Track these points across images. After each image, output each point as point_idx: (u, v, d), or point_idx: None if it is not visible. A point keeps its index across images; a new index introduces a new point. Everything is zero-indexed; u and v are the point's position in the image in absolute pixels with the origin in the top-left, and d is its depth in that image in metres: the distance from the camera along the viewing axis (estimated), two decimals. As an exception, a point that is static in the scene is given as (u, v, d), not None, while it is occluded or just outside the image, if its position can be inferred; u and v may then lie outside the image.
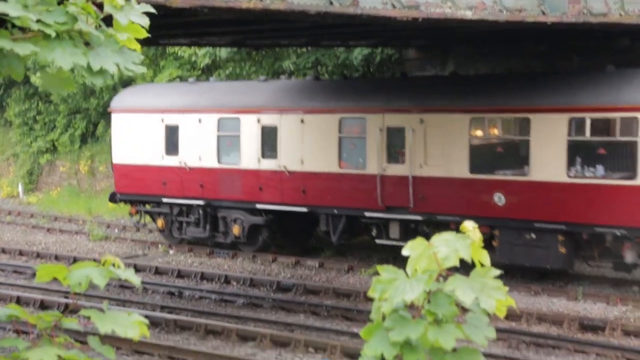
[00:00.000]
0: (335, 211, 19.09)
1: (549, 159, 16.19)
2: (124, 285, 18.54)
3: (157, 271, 20.06)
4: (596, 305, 15.88)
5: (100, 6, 2.83)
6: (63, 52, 2.70)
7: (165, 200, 21.73)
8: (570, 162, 15.95)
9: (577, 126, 15.94)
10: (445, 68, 22.07)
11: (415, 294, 2.20)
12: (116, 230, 25.31)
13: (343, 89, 19.71)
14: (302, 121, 19.29)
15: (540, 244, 16.46)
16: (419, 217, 17.89)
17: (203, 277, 19.43)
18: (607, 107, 15.54)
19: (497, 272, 2.26)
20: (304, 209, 19.54)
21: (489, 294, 2.22)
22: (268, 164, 19.89)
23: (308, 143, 19.19)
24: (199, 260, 21.18)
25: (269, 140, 19.83)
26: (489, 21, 12.98)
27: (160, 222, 22.28)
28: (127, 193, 22.54)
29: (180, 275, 19.71)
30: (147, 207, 22.50)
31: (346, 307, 16.32)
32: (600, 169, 15.77)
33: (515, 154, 16.89)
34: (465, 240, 2.23)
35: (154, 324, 14.88)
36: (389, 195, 18.17)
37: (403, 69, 23.33)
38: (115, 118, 22.82)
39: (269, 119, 19.84)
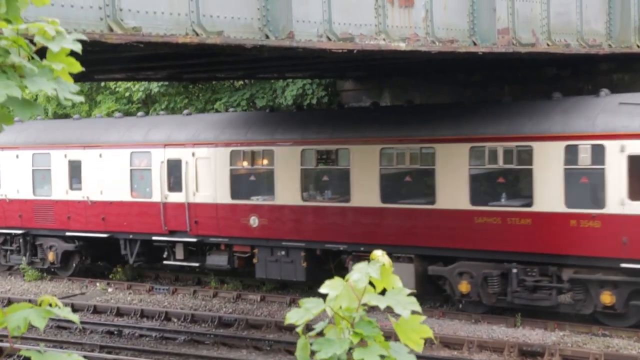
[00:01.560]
0: (131, 236, 21.26)
1: (288, 186, 18.57)
2: (62, 326, 18.14)
3: (96, 310, 19.69)
4: (535, 331, 16.11)
5: (31, 40, 2.81)
6: (-5, 85, 2.67)
7: None
8: (305, 188, 18.54)
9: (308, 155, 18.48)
10: (382, 98, 22.35)
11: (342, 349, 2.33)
12: (52, 270, 24.78)
13: (135, 124, 21.55)
14: (100, 155, 21.45)
15: (287, 260, 18.80)
16: (194, 240, 20.14)
17: (143, 314, 19.13)
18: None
19: (409, 290, 2.39)
20: (105, 235, 21.62)
21: (404, 306, 2.35)
22: (74, 195, 21.99)
23: (106, 175, 21.37)
24: (138, 297, 20.85)
25: (75, 173, 22.04)
26: (422, 52, 13.22)
27: None
28: None
29: (119, 313, 19.37)
30: None
31: (289, 341, 16.24)
32: (328, 193, 18.44)
33: (265, 181, 19.16)
34: (376, 265, 2.38)
35: (93, 364, 14.57)
36: (171, 220, 20.37)
37: (340, 101, 23.55)
38: None
39: (74, 154, 21.94)
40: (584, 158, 15.17)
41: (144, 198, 20.68)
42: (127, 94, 27.29)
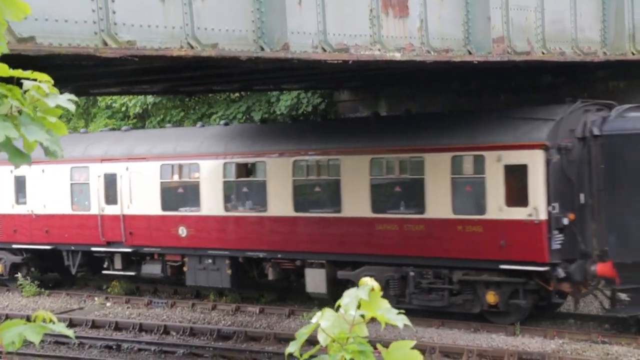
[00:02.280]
0: (72, 247, 22.15)
1: (212, 198, 19.58)
2: (60, 342, 18.07)
3: (94, 325, 19.62)
4: (534, 339, 16.07)
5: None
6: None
7: None
8: (227, 199, 19.49)
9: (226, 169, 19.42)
10: (378, 109, 22.37)
11: None
12: (50, 285, 24.71)
13: (76, 141, 22.10)
14: (43, 171, 22.18)
15: (214, 267, 19.79)
16: (129, 250, 21.01)
17: (142, 328, 19.07)
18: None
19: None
20: (49, 247, 22.50)
21: (397, 320, 2.44)
22: (20, 209, 22.95)
23: (49, 190, 22.27)
24: (137, 312, 20.79)
25: (20, 188, 22.94)
26: (417, 62, 13.23)
27: None
28: None
29: (117, 327, 19.31)
30: None
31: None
32: (248, 204, 19.29)
33: (192, 193, 20.03)
34: (365, 288, 2.45)
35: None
36: (108, 232, 21.26)
37: (336, 111, 23.56)
38: None
39: (19, 170, 22.13)
40: (468, 168, 16.41)
41: (83, 211, 21.72)
42: (123, 109, 27.30)
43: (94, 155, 21.52)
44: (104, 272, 22.26)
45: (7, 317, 20.23)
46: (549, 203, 15.45)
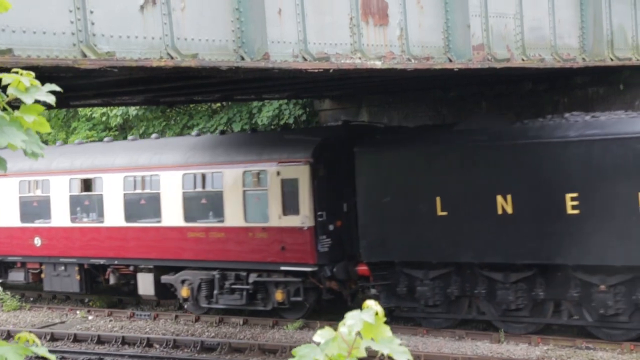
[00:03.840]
0: None
1: (61, 210, 21.47)
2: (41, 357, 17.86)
3: (76, 339, 19.44)
4: (519, 346, 16.08)
5: (4, 89, 2.77)
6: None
7: None
8: (73, 212, 21.33)
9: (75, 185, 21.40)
10: (359, 117, 22.37)
11: None
12: (31, 299, 24.50)
13: None
14: None
15: (66, 274, 21.71)
16: None
17: (124, 341, 18.92)
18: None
19: (399, 340, 2.46)
20: None
21: (399, 355, 2.45)
22: None
23: None
24: (119, 324, 20.63)
25: None
26: (398, 70, 13.23)
27: None
28: None
29: (100, 341, 19.14)
30: None
31: (273, 363, 16.09)
32: (91, 215, 21.26)
33: (44, 206, 21.86)
34: (369, 312, 2.46)
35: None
36: None
37: (318, 121, 23.55)
38: None
39: None
40: (255, 181, 18.58)
41: None
42: (103, 119, 27.14)
43: None
44: None
45: (-12, 332, 20.02)
46: (316, 211, 17.70)
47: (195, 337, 18.60)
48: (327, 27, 12.00)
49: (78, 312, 22.11)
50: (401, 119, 21.36)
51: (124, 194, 20.49)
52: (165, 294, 20.58)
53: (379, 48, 12.76)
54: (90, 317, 21.65)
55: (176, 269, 20.04)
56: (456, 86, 20.60)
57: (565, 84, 19.64)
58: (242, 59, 10.64)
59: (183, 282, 19.88)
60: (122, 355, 17.73)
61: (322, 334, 2.45)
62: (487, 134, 16.27)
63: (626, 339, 15.45)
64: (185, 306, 20.40)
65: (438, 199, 16.23)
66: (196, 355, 17.42)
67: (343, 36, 12.18)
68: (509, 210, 15.54)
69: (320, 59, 11.66)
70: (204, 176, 19.34)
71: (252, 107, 24.64)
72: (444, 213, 16.20)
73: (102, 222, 20.84)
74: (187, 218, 19.42)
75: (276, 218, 18.11)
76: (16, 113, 2.81)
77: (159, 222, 19.82)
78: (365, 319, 2.42)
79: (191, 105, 25.70)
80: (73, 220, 21.35)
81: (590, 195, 14.82)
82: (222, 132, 21.85)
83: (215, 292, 19.31)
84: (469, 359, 15.35)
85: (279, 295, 18.48)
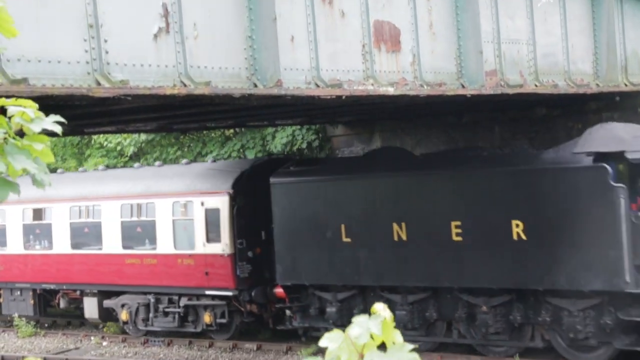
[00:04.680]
0: None
1: (14, 238, 22.81)
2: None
3: (90, 365, 19.43)
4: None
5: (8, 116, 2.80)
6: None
7: None
8: (26, 239, 22.66)
9: None
10: (372, 142, 22.38)
11: None
12: (46, 325, 24.52)
13: None
14: None
15: (21, 298, 22.96)
16: None
17: (138, 368, 18.88)
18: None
19: (411, 346, 2.36)
20: None
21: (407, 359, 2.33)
22: None
23: None
24: (133, 350, 20.61)
25: None
26: (410, 96, 13.25)
27: None
28: None
29: (114, 367, 19.12)
30: None
31: (286, 390, 16.01)
32: (42, 243, 22.42)
33: (2, 234, 23.14)
34: (377, 319, 2.36)
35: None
36: None
37: (331, 147, 23.57)
38: None
39: None
40: (183, 211, 19.86)
41: None
42: (118, 148, 27.29)
43: None
44: None
45: (3, 359, 20.04)
46: (236, 239, 18.94)
47: (209, 364, 18.54)
48: (340, 53, 12.05)
49: (92, 338, 22.11)
50: (414, 145, 21.36)
51: (70, 223, 21.85)
52: (109, 317, 21.91)
53: (391, 74, 12.79)
54: (104, 343, 21.64)
55: (117, 294, 21.31)
56: (469, 112, 20.59)
57: (580, 109, 19.60)
58: (255, 86, 10.70)
59: (123, 306, 21.18)
60: (136, 382, 17.69)
61: (331, 338, 2.39)
62: (387, 166, 17.46)
63: (506, 355, 16.53)
64: (126, 329, 21.61)
65: (343, 227, 17.43)
66: (209, 382, 17.36)
67: (355, 63, 12.23)
68: (404, 237, 16.73)
69: (332, 85, 11.70)
70: (139, 206, 20.62)
71: (265, 134, 24.71)
72: (348, 240, 17.42)
73: (51, 249, 22.17)
74: (124, 246, 20.76)
75: (201, 245, 19.45)
76: (24, 141, 2.84)
77: (101, 249, 21.20)
78: (372, 329, 2.36)
79: (204, 132, 25.80)
80: (26, 247, 22.69)
81: (470, 223, 15.95)
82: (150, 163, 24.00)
83: (151, 315, 20.65)
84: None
85: (207, 318, 19.82)
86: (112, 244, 20.94)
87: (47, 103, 8.92)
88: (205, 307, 19.91)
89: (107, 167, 25.69)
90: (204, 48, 10.19)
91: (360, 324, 2.36)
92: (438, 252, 16.31)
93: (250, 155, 24.47)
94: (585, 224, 14.72)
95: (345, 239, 17.40)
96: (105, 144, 27.76)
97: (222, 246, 19.08)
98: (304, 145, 23.84)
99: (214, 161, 21.87)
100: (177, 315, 20.28)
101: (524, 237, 15.29)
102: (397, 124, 22.24)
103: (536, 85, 15.53)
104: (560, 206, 14.97)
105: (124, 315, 21.04)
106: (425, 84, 13.33)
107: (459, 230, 16.03)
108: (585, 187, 14.69)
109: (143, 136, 26.23)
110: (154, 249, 20.24)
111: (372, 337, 2.36)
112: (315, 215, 17.83)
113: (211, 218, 19.24)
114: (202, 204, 19.39)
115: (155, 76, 9.63)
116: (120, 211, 20.88)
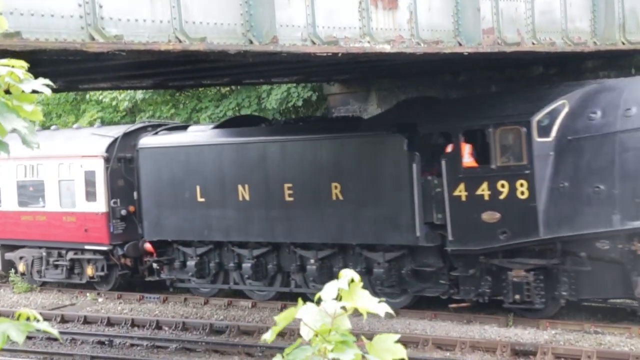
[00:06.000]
0: None
1: None
2: (51, 338, 18.01)
3: (86, 320, 19.54)
4: (527, 330, 16.06)
5: None
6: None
7: None
8: None
9: None
10: (369, 101, 22.31)
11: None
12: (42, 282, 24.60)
13: None
14: None
15: None
16: None
17: (134, 323, 19.00)
18: None
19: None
20: None
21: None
22: None
23: None
24: (129, 307, 20.73)
25: None
26: (407, 54, 13.18)
27: None
28: None
29: (110, 323, 19.24)
30: None
31: (282, 347, 16.12)
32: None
33: None
34: (345, 279, 2.50)
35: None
36: None
37: (327, 105, 23.50)
38: None
39: None
40: (67, 173, 21.61)
41: None
42: (113, 103, 27.17)
43: None
44: None
45: (-1, 314, 20.17)
46: (110, 199, 20.80)
47: (204, 320, 18.67)
48: (336, 10, 11.95)
49: (88, 294, 22.22)
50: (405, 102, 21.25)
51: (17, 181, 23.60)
52: (11, 268, 23.74)
53: (388, 32, 12.70)
54: (100, 300, 21.77)
55: (18, 247, 23.33)
56: (466, 70, 20.50)
57: (576, 68, 19.51)
58: (251, 42, 10.63)
59: (21, 258, 23.18)
60: (132, 337, 17.82)
61: (306, 310, 2.49)
62: (236, 133, 19.25)
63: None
64: (24, 279, 23.45)
65: (198, 188, 19.24)
66: (205, 337, 17.50)
67: (352, 20, 12.14)
68: (247, 197, 18.55)
69: (328, 42, 11.63)
70: (32, 167, 22.36)
71: (261, 92, 24.59)
72: (202, 200, 19.25)
73: None
74: (20, 203, 22.80)
75: (81, 204, 21.39)
76: (15, 102, 2.82)
77: (0, 206, 23.30)
78: (341, 285, 2.48)
79: (200, 89, 25.67)
80: None
81: (299, 185, 17.75)
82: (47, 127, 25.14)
83: (43, 267, 22.62)
84: (476, 343, 15.36)
85: (89, 270, 21.77)
86: (10, 201, 23.05)
87: (41, 57, 8.85)
88: (88, 261, 21.84)
89: (102, 122, 25.64)
90: (199, 3, 10.09)
91: (329, 286, 2.49)
92: (275, 211, 18.17)
93: (247, 112, 24.36)
94: (386, 186, 16.66)
95: (200, 199, 19.26)
96: (101, 99, 27.63)
97: (98, 205, 21.02)
98: (300, 103, 23.75)
99: (101, 126, 23.56)
100: (64, 268, 22.27)
101: (341, 197, 17.24)
102: (394, 83, 22.15)
103: (533, 44, 15.45)
104: (368, 170, 16.81)
105: (21, 267, 23.13)
106: (422, 41, 13.24)
107: (291, 192, 17.90)
108: (386, 153, 16.61)
109: (140, 94, 26.10)
110: (43, 207, 22.20)
111: (344, 309, 2.46)
112: (176, 177, 19.62)
113: (89, 179, 21.16)
114: (81, 166, 21.34)
115: (150, 31, 9.55)
116: (16, 171, 22.73)
